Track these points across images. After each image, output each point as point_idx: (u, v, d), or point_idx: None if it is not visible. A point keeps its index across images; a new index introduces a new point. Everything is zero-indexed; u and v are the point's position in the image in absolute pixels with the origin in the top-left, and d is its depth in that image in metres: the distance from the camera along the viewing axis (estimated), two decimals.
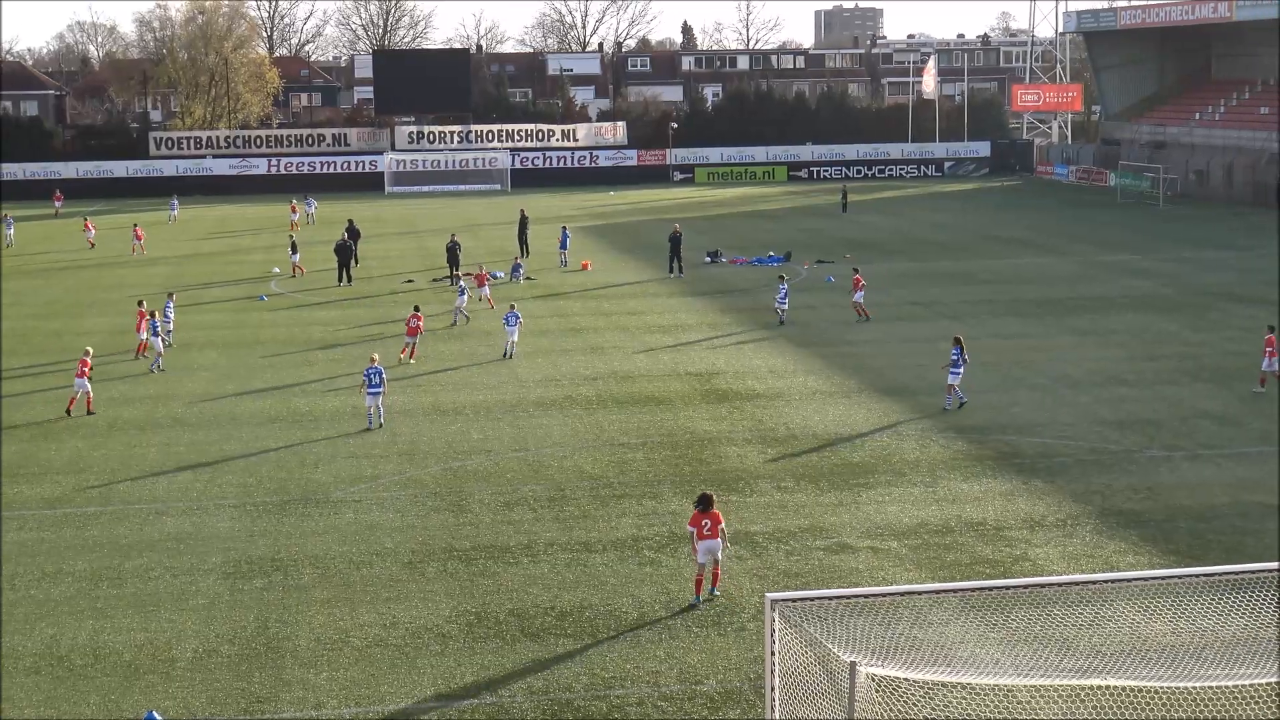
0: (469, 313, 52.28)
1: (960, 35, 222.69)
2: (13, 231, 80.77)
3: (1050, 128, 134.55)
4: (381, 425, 36.70)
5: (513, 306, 47.47)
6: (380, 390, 36.58)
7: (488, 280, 57.00)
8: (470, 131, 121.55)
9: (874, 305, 53.06)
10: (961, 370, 38.25)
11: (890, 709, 17.79)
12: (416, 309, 46.91)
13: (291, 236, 70.99)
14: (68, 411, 38.73)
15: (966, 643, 21.71)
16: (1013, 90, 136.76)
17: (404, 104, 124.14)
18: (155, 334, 44.52)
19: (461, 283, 55.59)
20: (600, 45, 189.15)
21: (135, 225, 79.48)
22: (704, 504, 24.35)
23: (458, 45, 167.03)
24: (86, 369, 38.85)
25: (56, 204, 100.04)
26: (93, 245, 77.70)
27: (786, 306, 51.37)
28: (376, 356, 38.21)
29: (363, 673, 21.76)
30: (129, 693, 21.16)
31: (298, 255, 66.51)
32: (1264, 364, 39.92)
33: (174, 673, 21.82)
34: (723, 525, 24.34)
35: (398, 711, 20.50)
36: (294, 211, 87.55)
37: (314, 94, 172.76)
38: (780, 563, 26.39)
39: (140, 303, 47.55)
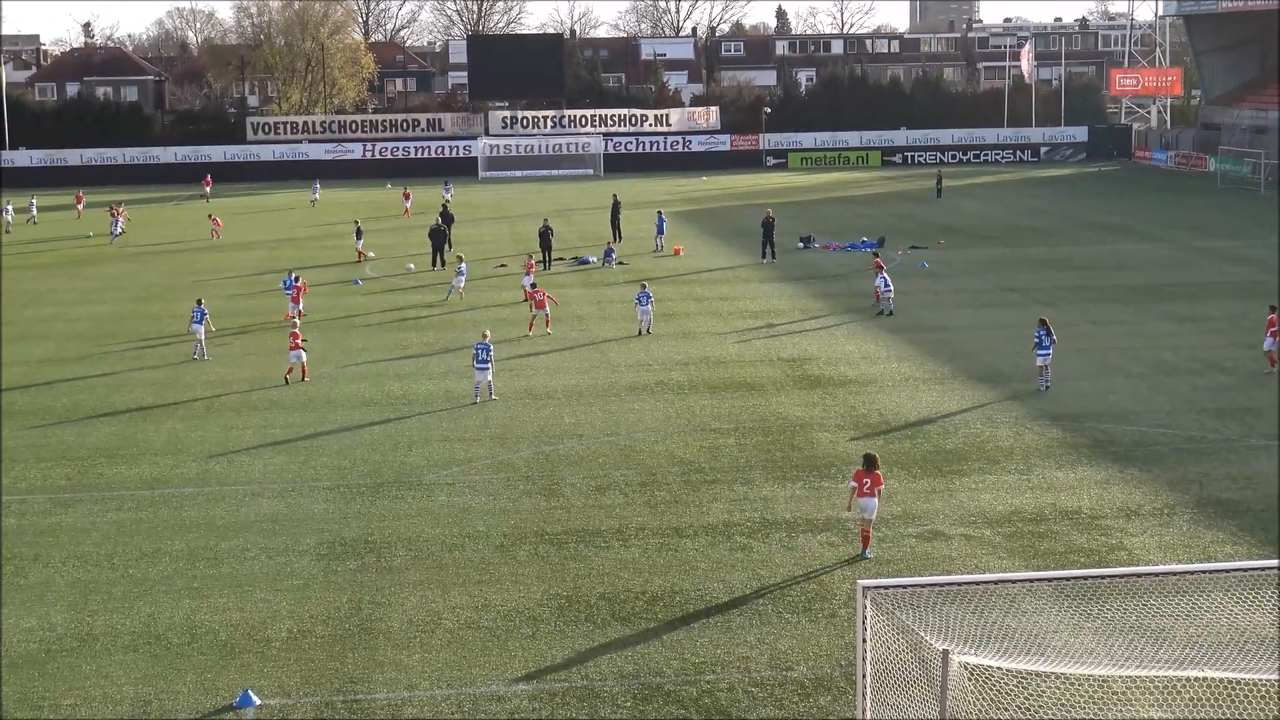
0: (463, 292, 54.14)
1: (1058, 19, 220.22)
2: (33, 213, 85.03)
3: (1149, 112, 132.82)
4: (491, 399, 37.74)
5: (644, 285, 48.62)
6: (489, 365, 37.76)
7: (534, 270, 56.09)
8: (563, 116, 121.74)
9: (968, 291, 52.66)
10: (1050, 351, 38.20)
11: (983, 697, 17.67)
12: (534, 286, 49.61)
13: (357, 222, 70.76)
14: (285, 380, 40.60)
15: (1060, 632, 21.52)
16: (1111, 74, 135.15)
17: (497, 89, 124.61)
18: (199, 322, 44.44)
19: (461, 264, 55.57)
20: (694, 30, 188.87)
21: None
22: (869, 464, 25.95)
23: (551, 30, 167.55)
24: (299, 340, 41.14)
25: (206, 188, 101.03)
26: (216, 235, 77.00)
27: (892, 294, 50.54)
28: (488, 332, 39.58)
29: (454, 654, 21.89)
30: (224, 671, 21.41)
31: (361, 241, 66.80)
32: (1266, 343, 40.04)
33: (269, 652, 22.06)
34: (881, 487, 25.89)
35: (489, 693, 20.61)
36: (406, 198, 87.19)
37: (409, 79, 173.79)
38: (873, 549, 26.25)
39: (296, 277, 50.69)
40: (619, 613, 23.44)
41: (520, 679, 21.05)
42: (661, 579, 24.96)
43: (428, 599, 24.14)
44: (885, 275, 50.92)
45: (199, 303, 45.48)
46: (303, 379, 40.73)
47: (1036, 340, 38.57)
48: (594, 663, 21.54)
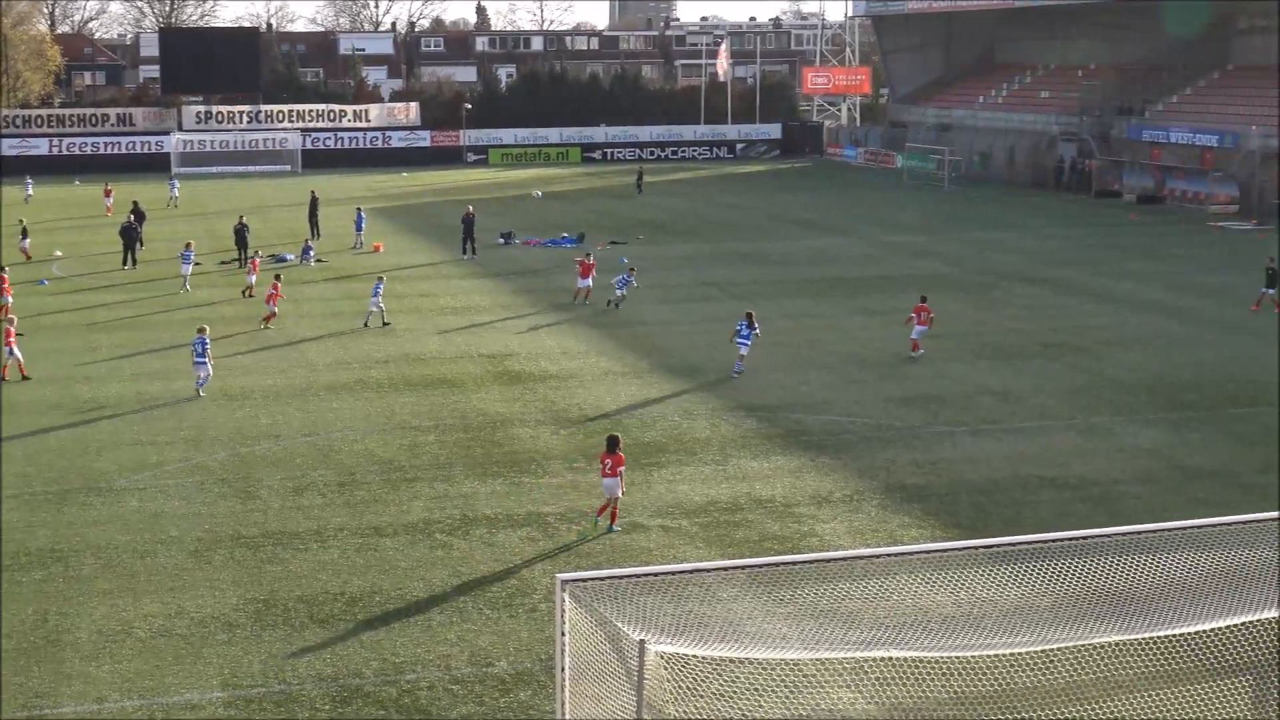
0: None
1: (752, 18, 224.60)
2: None
3: (840, 110, 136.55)
4: (200, 393, 37.62)
5: (632, 270, 51.29)
6: (205, 360, 37.60)
7: (257, 268, 55.61)
8: (260, 112, 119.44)
9: (666, 286, 53.42)
10: (749, 341, 39.48)
11: (679, 685, 17.95)
12: (278, 278, 49.03)
13: (22, 221, 68.30)
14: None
15: (754, 618, 21.97)
16: (803, 73, 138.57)
17: (191, 83, 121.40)
18: None
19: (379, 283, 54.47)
20: (393, 25, 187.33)
21: None
22: (611, 445, 26.77)
23: (247, 24, 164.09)
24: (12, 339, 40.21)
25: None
26: None
27: (624, 294, 50.82)
28: (207, 328, 39.17)
29: (147, 664, 21.32)
30: None
31: (27, 240, 64.51)
32: (913, 332, 42.26)
33: None
34: (622, 468, 26.74)
35: (183, 702, 20.13)
36: (108, 195, 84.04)
37: (98, 73, 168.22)
38: (572, 543, 26.44)
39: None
40: (317, 615, 23.14)
41: (216, 686, 20.60)
42: (361, 579, 24.72)
43: (118, 608, 23.45)
44: (627, 276, 51.41)
45: None
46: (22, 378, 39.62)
47: (737, 329, 39.66)
48: (292, 667, 21.22)
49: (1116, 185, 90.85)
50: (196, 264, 57.43)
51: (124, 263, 61.17)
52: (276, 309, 47.44)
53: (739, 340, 39.69)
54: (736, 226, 75.65)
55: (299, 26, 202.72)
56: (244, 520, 27.84)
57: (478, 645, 21.94)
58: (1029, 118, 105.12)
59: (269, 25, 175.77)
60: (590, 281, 51.27)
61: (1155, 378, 39.67)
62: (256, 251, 60.31)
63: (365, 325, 47.35)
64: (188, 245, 56.91)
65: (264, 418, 35.66)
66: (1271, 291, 49.15)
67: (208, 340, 38.17)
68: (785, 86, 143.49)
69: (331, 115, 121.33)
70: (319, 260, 62.67)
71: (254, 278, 53.97)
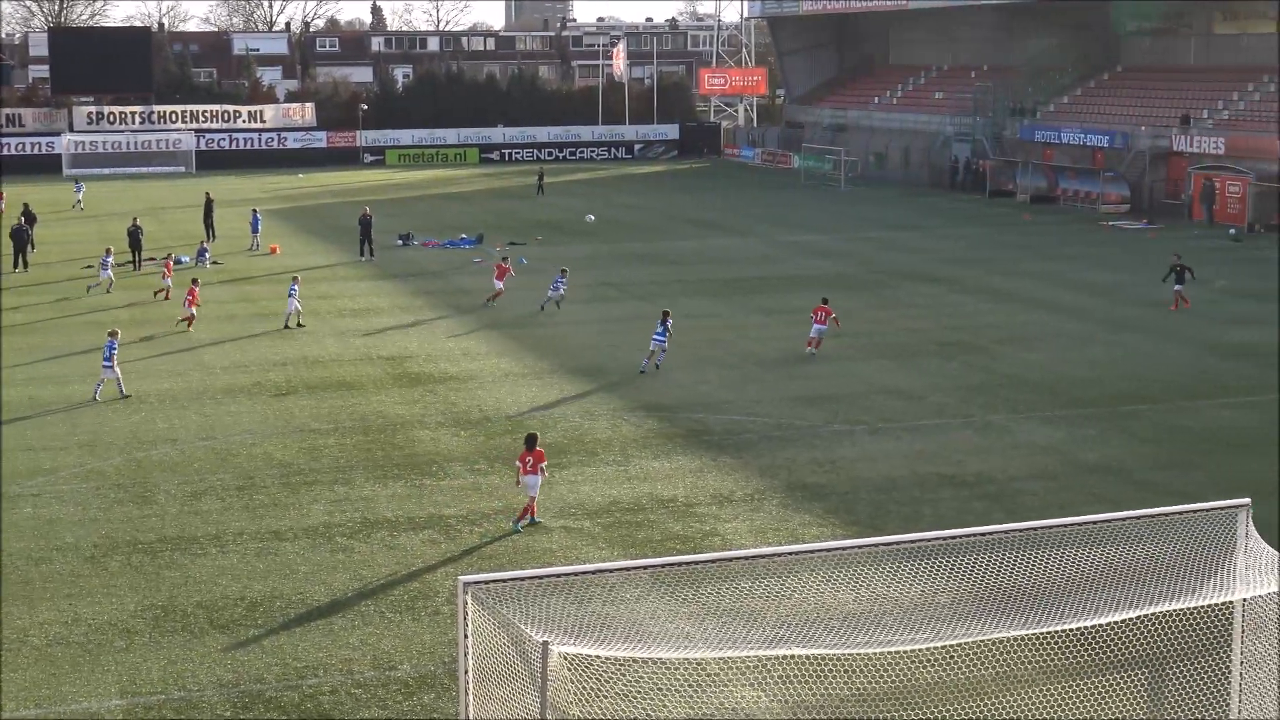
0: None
1: (649, 19, 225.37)
2: None
3: (736, 111, 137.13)
4: (123, 395, 37.49)
5: (564, 271, 51.27)
6: (111, 364, 37.34)
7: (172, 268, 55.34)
8: (152, 112, 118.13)
9: (567, 286, 53.34)
10: (664, 340, 40.17)
11: (582, 686, 17.94)
12: (195, 281, 48.72)
13: None
14: None
15: (658, 618, 22.00)
16: (700, 74, 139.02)
17: (82, 83, 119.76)
18: None
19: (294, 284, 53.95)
20: (287, 25, 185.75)
21: None
22: (529, 443, 27.06)
23: (138, 23, 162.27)
24: None
25: None
26: None
27: (560, 295, 50.58)
28: (118, 331, 38.90)
29: (43, 673, 21.00)
30: None
31: None
32: (814, 330, 42.77)
33: None
34: (543, 464, 27.06)
35: (81, 711, 19.85)
36: None
37: None
38: (474, 545, 26.38)
39: None
40: (217, 620, 22.91)
41: (114, 694, 20.34)
42: (261, 584, 24.51)
43: (12, 616, 23.07)
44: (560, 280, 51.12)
45: None
46: None
47: (657, 329, 40.65)
48: (192, 673, 21.00)
49: (1010, 185, 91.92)
50: (87, 267, 56.68)
51: (15, 265, 60.25)
52: (195, 311, 46.89)
53: (655, 337, 40.37)
54: (635, 227, 75.79)
55: (192, 26, 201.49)
56: (141, 526, 27.51)
57: (380, 649, 21.83)
58: (923, 118, 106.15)
59: (161, 25, 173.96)
60: (503, 284, 51.18)
61: (1050, 375, 40.18)
62: (170, 254, 59.88)
63: (285, 326, 47.05)
64: (108, 250, 56.65)
65: (160, 422, 35.26)
66: (1180, 288, 49.85)
67: (116, 344, 37.75)
68: (682, 87, 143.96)
69: (226, 116, 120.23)
70: (214, 262, 62.06)
71: (169, 280, 53.48)
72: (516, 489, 27.72)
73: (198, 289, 47.73)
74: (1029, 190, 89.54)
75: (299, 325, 47.11)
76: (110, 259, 55.77)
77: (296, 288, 47.99)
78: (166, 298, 52.04)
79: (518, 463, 27.29)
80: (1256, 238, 71.44)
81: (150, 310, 50.43)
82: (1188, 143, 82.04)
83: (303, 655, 21.59)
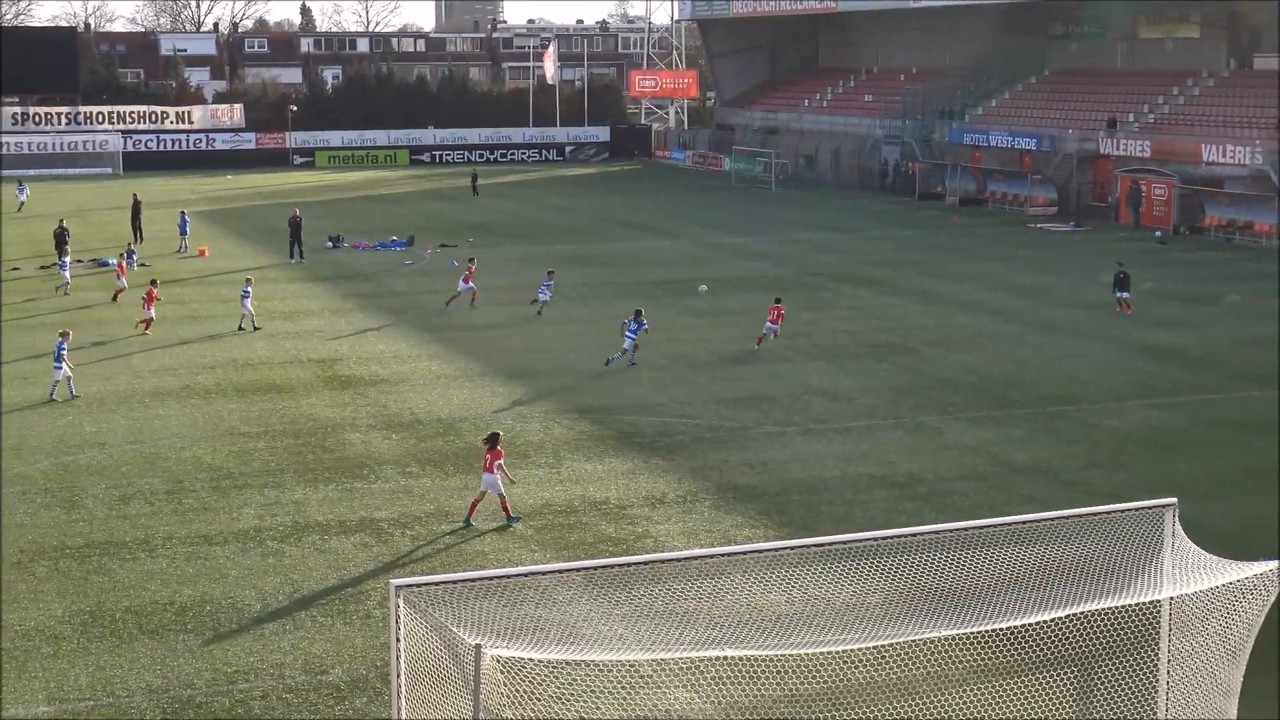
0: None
1: (579, 21, 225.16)
2: None
3: (667, 113, 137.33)
4: (72, 395, 37.48)
5: (551, 273, 50.06)
6: (61, 365, 37.36)
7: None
8: (79, 113, 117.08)
9: (498, 289, 53.29)
10: (635, 337, 41.21)
11: (516, 689, 17.91)
12: (154, 282, 49.04)
13: None
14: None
15: (591, 620, 22.00)
16: (631, 76, 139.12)
17: (7, 84, 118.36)
18: None
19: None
20: (215, 25, 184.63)
21: None
22: (490, 442, 27.44)
23: (64, 23, 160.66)
24: None
25: None
26: None
27: (548, 298, 49.86)
28: (69, 332, 38.97)
29: None
30: None
31: None
32: (766, 326, 43.91)
33: None
34: (500, 461, 27.24)
35: (8, 718, 19.63)
36: None
37: None
38: (406, 548, 26.30)
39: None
40: (146, 625, 22.72)
41: (42, 701, 20.14)
42: (191, 588, 24.33)
43: None
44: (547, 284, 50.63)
45: None
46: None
47: (624, 324, 41.74)
48: (121, 679, 20.81)
49: (939, 188, 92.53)
50: (42, 267, 56.76)
51: None
52: (154, 313, 46.59)
53: (627, 334, 41.26)
54: (566, 229, 75.74)
55: (118, 26, 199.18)
56: (68, 530, 27.25)
57: (312, 653, 21.72)
58: (853, 121, 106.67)
59: (87, 25, 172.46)
60: (473, 285, 50.92)
61: (979, 376, 40.47)
62: (126, 253, 59.55)
63: (240, 329, 46.82)
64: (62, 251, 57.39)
65: (88, 425, 34.93)
66: (1124, 295, 50.08)
67: (65, 345, 37.75)
68: (613, 89, 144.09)
69: (153, 117, 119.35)
70: (142, 264, 61.52)
71: (124, 280, 53.17)
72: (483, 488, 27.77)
73: (156, 289, 47.48)
74: (958, 193, 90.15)
75: (255, 329, 46.72)
76: (68, 260, 55.88)
77: (250, 289, 47.69)
78: (116, 299, 51.77)
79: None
80: (1182, 240, 72.23)
81: (101, 312, 49.94)
82: (1114, 146, 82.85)
83: (233, 660, 21.45)
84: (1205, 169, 76.14)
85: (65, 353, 37.48)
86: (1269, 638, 18.76)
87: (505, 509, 27.62)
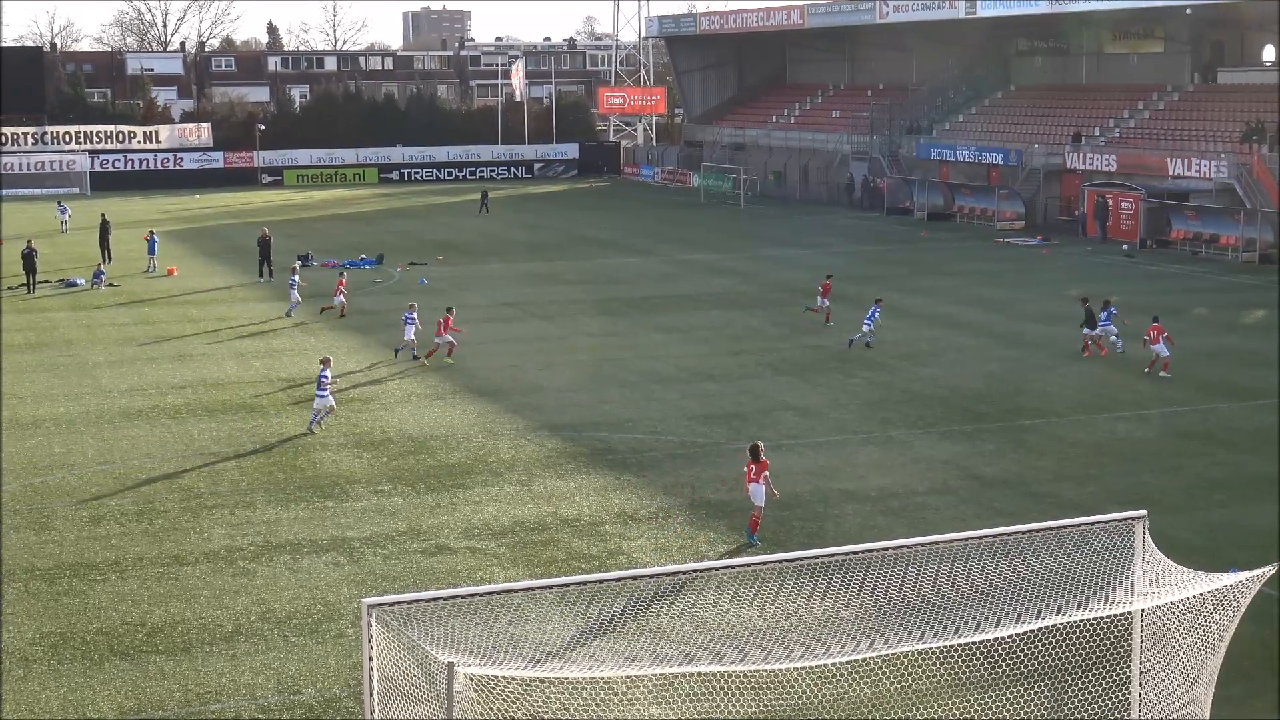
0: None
1: (547, 38, 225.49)
2: None
3: (636, 130, 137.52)
4: None
5: (448, 320, 45.17)
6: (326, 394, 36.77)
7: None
8: (45, 133, 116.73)
9: (468, 306, 53.26)
10: (871, 324, 46.03)
11: (489, 708, 17.90)
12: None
13: None
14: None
15: (564, 637, 22.01)
16: (599, 93, 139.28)
17: None
18: None
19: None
20: (182, 45, 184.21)
21: None
22: (753, 454, 27.70)
23: (30, 43, 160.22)
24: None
25: None
26: None
27: (870, 328, 46.71)
28: (331, 359, 38.47)
29: None
30: None
31: None
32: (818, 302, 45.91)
33: None
34: (766, 474, 27.37)
35: None
36: None
37: None
38: (378, 567, 26.25)
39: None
40: (117, 647, 22.63)
41: None
42: (162, 609, 24.24)
43: None
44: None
45: None
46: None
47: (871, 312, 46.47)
48: (92, 701, 20.72)
49: (907, 203, 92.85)
50: (10, 288, 56.41)
51: None
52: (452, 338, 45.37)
53: (865, 320, 46.02)
54: (535, 246, 75.75)
55: (85, 46, 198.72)
56: (38, 552, 27.12)
57: (284, 673, 21.66)
58: (821, 136, 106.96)
59: (53, 45, 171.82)
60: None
61: (949, 390, 40.60)
62: (94, 273, 59.56)
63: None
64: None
65: (57, 446, 34.79)
66: (1091, 331, 45.53)
67: (327, 372, 36.52)
68: (581, 107, 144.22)
69: (121, 136, 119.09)
70: (111, 284, 61.35)
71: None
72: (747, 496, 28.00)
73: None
74: (926, 207, 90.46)
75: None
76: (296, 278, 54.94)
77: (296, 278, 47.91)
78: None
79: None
80: (1148, 253, 72.62)
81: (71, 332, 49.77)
82: (1080, 160, 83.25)
83: (205, 681, 21.37)
84: (1171, 183, 76.59)
85: (328, 380, 36.24)
86: (1269, 642, 18.88)
87: (753, 524, 27.59)
